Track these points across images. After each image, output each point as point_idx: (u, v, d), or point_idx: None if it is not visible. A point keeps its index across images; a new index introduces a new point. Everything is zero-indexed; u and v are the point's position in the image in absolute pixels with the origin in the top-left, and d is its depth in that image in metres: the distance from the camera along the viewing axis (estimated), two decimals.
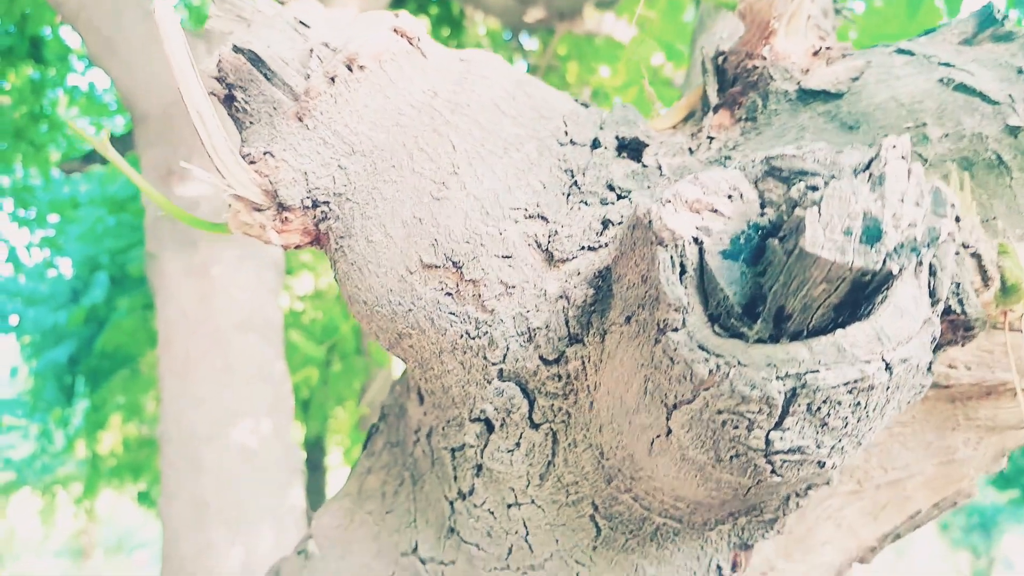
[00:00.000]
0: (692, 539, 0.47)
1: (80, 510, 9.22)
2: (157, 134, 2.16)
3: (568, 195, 0.48)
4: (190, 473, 1.76)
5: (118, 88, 2.15)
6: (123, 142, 2.69)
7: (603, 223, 0.46)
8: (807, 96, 0.49)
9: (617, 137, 0.51)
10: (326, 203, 0.49)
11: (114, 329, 5.71)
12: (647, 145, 0.51)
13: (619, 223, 0.45)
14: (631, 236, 0.37)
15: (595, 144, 0.51)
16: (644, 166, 0.50)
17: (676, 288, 0.34)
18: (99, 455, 6.61)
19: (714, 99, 0.52)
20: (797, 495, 0.43)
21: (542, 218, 0.47)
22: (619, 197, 0.47)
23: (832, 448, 0.35)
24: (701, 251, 0.34)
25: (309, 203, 0.49)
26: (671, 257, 0.34)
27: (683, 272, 0.34)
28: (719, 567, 0.47)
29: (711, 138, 0.51)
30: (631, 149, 0.51)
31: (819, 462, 0.35)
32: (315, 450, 6.35)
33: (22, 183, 5.13)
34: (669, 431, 0.37)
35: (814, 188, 0.33)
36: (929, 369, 0.39)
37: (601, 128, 0.52)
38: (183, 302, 2.00)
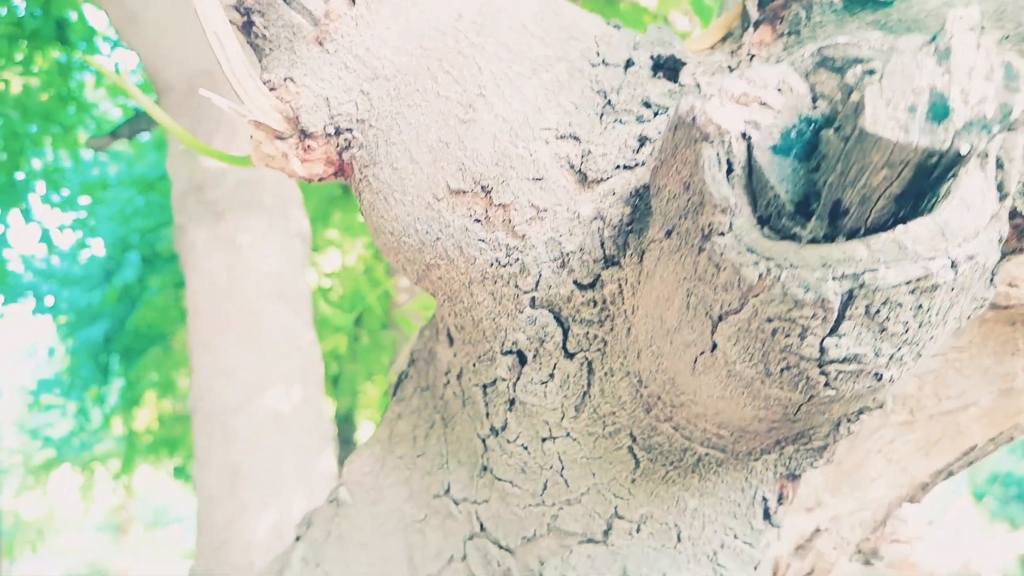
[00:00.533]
0: (736, 470, 0.45)
1: (118, 486, 9.38)
2: (181, 106, 2.15)
3: (601, 115, 0.45)
4: (222, 441, 1.77)
5: (142, 61, 2.15)
6: (147, 117, 2.69)
7: (639, 140, 0.43)
8: (854, 5, 0.46)
9: (652, 57, 0.48)
10: (349, 130, 0.47)
11: (146, 307, 5.78)
12: (684, 64, 0.48)
13: (656, 140, 0.43)
14: (672, 138, 0.34)
15: (628, 64, 0.48)
16: (681, 85, 0.47)
17: (722, 187, 0.31)
18: (135, 431, 6.71)
19: (754, 14, 0.49)
20: (848, 420, 0.41)
21: (574, 138, 0.44)
22: (656, 114, 0.45)
23: (891, 357, 0.32)
24: (749, 147, 0.32)
25: (332, 130, 0.47)
26: (717, 154, 0.32)
27: (730, 171, 0.32)
28: (764, 499, 0.45)
29: (752, 55, 0.49)
30: (667, 69, 0.49)
31: (876, 373, 0.33)
32: (345, 425, 6.39)
33: (52, 165, 5.17)
34: (714, 346, 0.35)
35: (871, 72, 0.30)
36: (991, 281, 0.36)
37: (635, 49, 0.49)
38: (211, 273, 2.00)
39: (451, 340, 0.58)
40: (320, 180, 0.50)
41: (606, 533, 0.47)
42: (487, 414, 0.52)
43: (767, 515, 0.45)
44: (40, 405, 8.26)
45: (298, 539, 0.76)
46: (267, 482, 1.71)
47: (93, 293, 6.61)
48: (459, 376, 0.57)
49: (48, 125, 5.24)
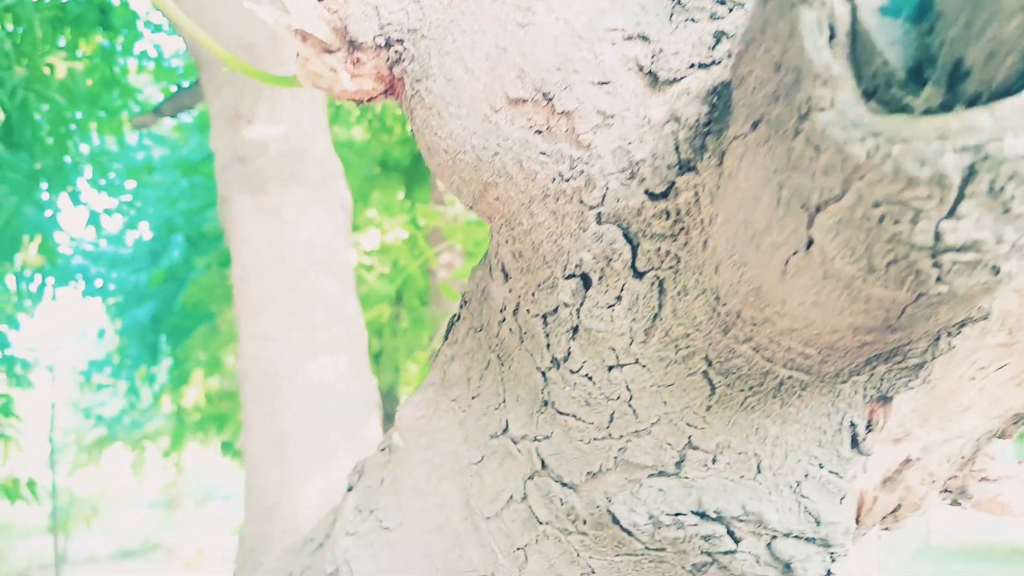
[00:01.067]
0: (822, 394, 0.41)
1: (168, 463, 9.60)
2: (224, 78, 2.15)
3: (671, 15, 0.42)
4: (270, 408, 1.77)
5: (182, 36, 2.14)
6: (192, 93, 2.69)
7: (715, 37, 0.40)
8: None
9: None
10: (399, 41, 0.44)
11: (192, 287, 5.84)
12: None
13: (734, 35, 0.39)
14: (763, 12, 0.31)
15: None
16: None
17: (823, 54, 0.28)
18: (184, 409, 6.83)
19: None
20: (949, 333, 0.37)
21: (643, 38, 0.41)
22: (731, 10, 0.41)
23: (1013, 245, 0.28)
24: (854, 9, 0.28)
25: (382, 42, 0.44)
26: (817, 18, 0.28)
27: (831, 38, 0.28)
28: (853, 425, 0.41)
29: None
30: None
31: (994, 266, 0.29)
32: (388, 401, 6.42)
33: (99, 149, 5.23)
34: (810, 243, 0.32)
35: None
36: None
37: None
38: (256, 243, 1.99)
39: (506, 275, 0.55)
40: (369, 100, 0.47)
41: (679, 465, 0.44)
42: (548, 345, 0.49)
43: (855, 442, 0.42)
44: (92, 385, 8.43)
45: (350, 489, 0.74)
46: (314, 449, 1.71)
47: (141, 274, 6.71)
48: (515, 311, 0.54)
49: (93, 109, 5.30)
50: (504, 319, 0.56)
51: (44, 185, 5.16)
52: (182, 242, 6.31)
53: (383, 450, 0.70)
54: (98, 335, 9.16)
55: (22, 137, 4.93)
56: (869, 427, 0.41)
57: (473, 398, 0.59)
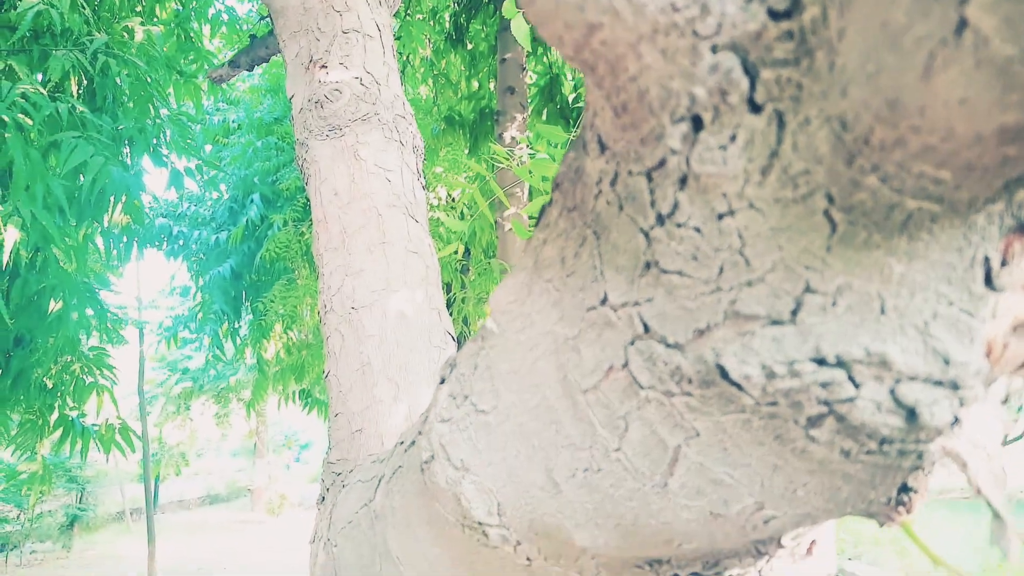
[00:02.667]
0: (953, 226, 0.38)
1: (251, 413, 9.93)
2: (298, 24, 2.16)
3: None
4: (353, 339, 1.79)
5: None
6: (264, 43, 2.71)
7: None
8: None
9: None
10: None
11: (270, 243, 5.95)
12: None
13: None
14: None
15: None
16: None
17: None
18: (265, 360, 7.02)
19: None
20: None
21: None
22: None
23: None
24: None
25: None
26: None
27: None
28: (986, 259, 0.38)
29: None
30: None
31: None
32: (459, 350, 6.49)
33: (177, 112, 5.33)
34: (961, 25, 0.29)
35: None
36: None
37: None
38: (335, 183, 2.01)
39: (602, 146, 0.53)
40: None
41: (795, 312, 0.42)
42: (652, 203, 0.47)
43: (989, 279, 0.39)
44: (178, 340, 8.72)
45: (443, 381, 0.74)
46: (397, 377, 1.73)
47: (221, 233, 6.86)
48: (613, 181, 0.52)
49: (170, 73, 5.38)
50: (600, 192, 0.54)
51: (127, 151, 5.29)
52: (259, 201, 6.44)
53: (476, 339, 0.69)
54: (182, 293, 9.45)
55: (104, 100, 5.05)
56: (1005, 261, 0.38)
57: (568, 276, 0.58)
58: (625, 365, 0.52)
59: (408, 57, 5.68)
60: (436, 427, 0.70)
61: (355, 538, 1.08)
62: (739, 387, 0.45)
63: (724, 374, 0.45)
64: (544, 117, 5.50)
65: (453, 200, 6.16)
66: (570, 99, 5.64)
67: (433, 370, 1.81)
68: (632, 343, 0.51)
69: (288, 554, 10.29)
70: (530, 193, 5.15)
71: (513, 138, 5.01)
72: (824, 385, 0.42)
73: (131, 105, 5.02)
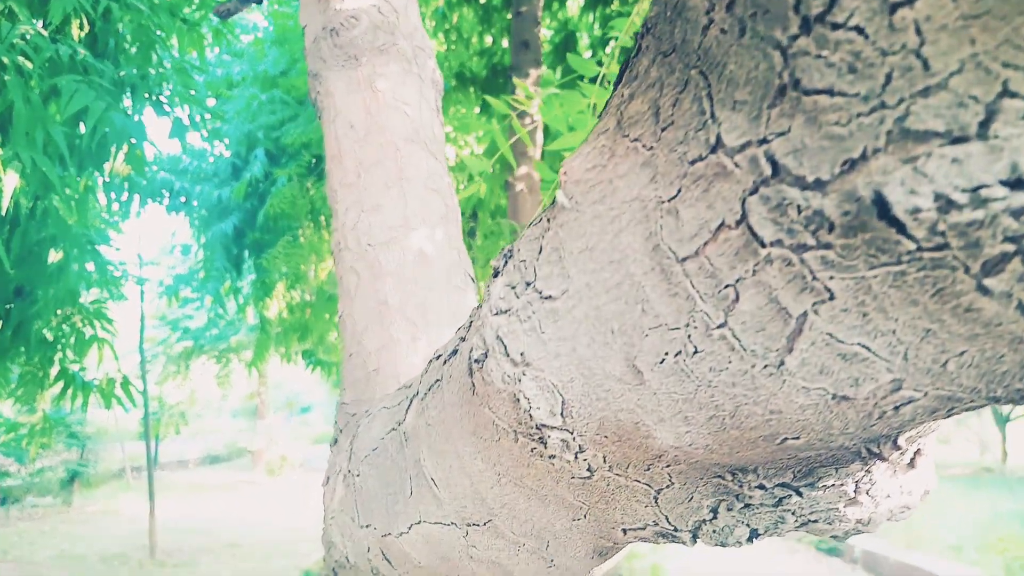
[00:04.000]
0: None
1: (252, 373, 9.87)
2: None
3: None
4: (370, 276, 1.72)
5: None
6: None
7: None
8: None
9: None
10: None
11: (274, 199, 5.86)
12: None
13: None
14: None
15: None
16: None
17: None
18: (267, 320, 6.95)
19: None
20: None
21: None
22: None
23: None
24: None
25: None
26: None
27: None
28: None
29: None
30: None
31: None
32: None
33: (180, 62, 5.21)
34: None
35: None
36: None
37: None
38: (350, 116, 1.92)
39: None
40: None
41: (985, 124, 0.34)
42: (796, 5, 0.39)
43: None
44: (179, 298, 8.64)
45: (497, 274, 0.66)
46: (416, 316, 1.66)
47: (224, 189, 6.76)
48: (730, 4, 0.44)
49: (173, 20, 5.26)
50: (711, 22, 0.46)
51: (128, 99, 5.19)
52: (262, 156, 6.33)
53: (539, 221, 0.61)
54: (183, 250, 9.37)
55: (106, 47, 4.93)
56: None
57: (664, 129, 0.50)
58: (741, 221, 0.44)
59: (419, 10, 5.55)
60: (491, 321, 0.62)
61: (381, 464, 1.01)
62: (900, 228, 0.37)
63: (883, 212, 0.37)
64: (558, 75, 5.39)
65: (461, 161, 6.06)
66: (586, 56, 5.51)
67: (454, 311, 1.74)
68: (754, 191, 0.43)
69: (288, 515, 10.32)
70: (542, 153, 5.05)
71: (522, 97, 4.88)
72: (1018, 214, 0.34)
73: (133, 52, 4.90)
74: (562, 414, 0.59)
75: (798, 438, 0.50)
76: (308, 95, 6.15)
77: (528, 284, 0.60)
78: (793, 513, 0.61)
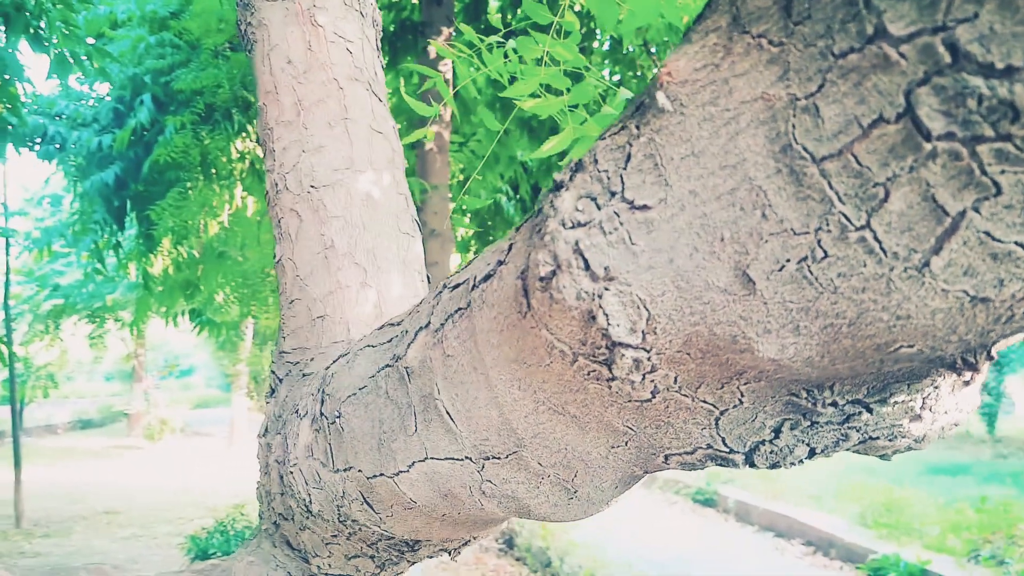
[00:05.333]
0: None
1: (130, 334, 9.33)
2: None
3: None
4: (313, 219, 1.63)
5: None
6: None
7: None
8: None
9: None
10: None
11: (162, 148, 5.52)
12: None
13: None
14: None
15: None
16: None
17: None
18: (151, 277, 6.58)
19: None
20: None
21: None
22: None
23: None
24: None
25: None
26: None
27: None
28: None
29: None
30: None
31: None
32: None
33: None
34: None
35: None
36: None
37: None
38: (288, 50, 1.81)
39: None
40: None
41: None
42: None
43: None
44: (50, 252, 8.07)
45: (560, 188, 0.62)
46: (365, 261, 1.59)
47: (105, 136, 6.32)
48: None
49: None
50: None
51: (1, 29, 4.76)
52: (149, 102, 5.93)
53: (618, 129, 0.58)
54: (52, 201, 8.74)
55: None
56: None
57: (797, 24, 0.47)
58: (904, 114, 0.42)
59: None
60: (564, 234, 0.58)
61: (371, 403, 0.96)
62: None
63: None
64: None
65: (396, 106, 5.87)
66: (496, 18, 5.44)
67: (403, 257, 1.68)
68: (924, 82, 0.41)
69: (170, 480, 9.90)
70: (453, 116, 4.97)
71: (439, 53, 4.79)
72: None
73: None
74: (645, 330, 0.57)
75: (912, 346, 0.50)
76: (201, 38, 5.80)
77: (613, 194, 0.56)
78: (858, 430, 0.61)
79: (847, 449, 0.63)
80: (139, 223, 6.52)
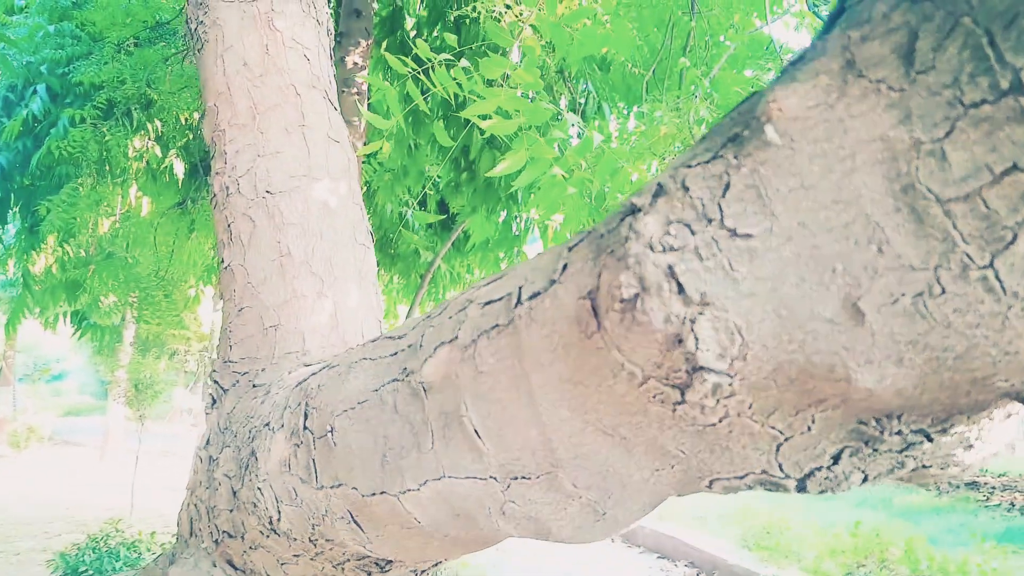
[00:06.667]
0: None
1: (9, 334, 8.57)
2: None
3: None
4: (267, 225, 1.56)
5: None
6: None
7: None
8: None
9: None
10: None
11: (55, 142, 5.16)
12: None
13: None
14: None
15: None
16: None
17: None
18: (31, 275, 6.10)
19: None
20: None
21: None
22: None
23: None
24: None
25: None
26: None
27: None
28: None
29: None
30: None
31: None
32: None
33: None
34: None
35: None
36: None
37: None
38: (245, 53, 1.74)
39: None
40: None
41: None
42: None
43: None
44: None
45: (638, 211, 0.61)
46: (322, 270, 1.53)
47: None
48: None
49: None
50: None
51: None
52: (44, 93, 5.54)
53: (710, 158, 0.58)
54: None
55: None
56: None
57: (920, 73, 0.49)
58: None
59: None
60: (652, 257, 0.58)
61: (374, 419, 0.91)
62: None
63: None
64: (384, 48, 5.24)
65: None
66: (411, 34, 5.40)
67: (359, 268, 1.63)
68: None
69: (37, 492, 9.14)
70: (367, 131, 4.88)
71: (356, 63, 4.72)
72: None
73: None
74: (735, 357, 0.57)
75: (1008, 380, 0.52)
76: (105, 31, 5.46)
77: (710, 221, 0.56)
78: (915, 458, 0.62)
79: (900, 476, 0.64)
80: (23, 218, 6.06)
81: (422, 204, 6.28)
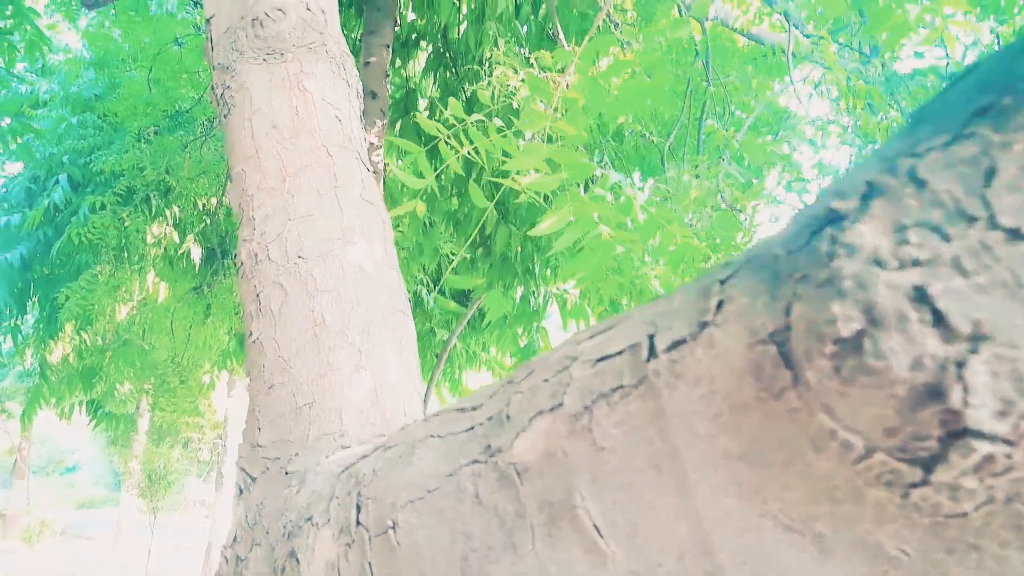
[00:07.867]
0: None
1: (25, 426, 8.32)
2: None
3: None
4: (301, 292, 1.39)
5: None
6: None
7: None
8: None
9: None
10: None
11: (77, 228, 5.07)
12: None
13: None
14: None
15: None
16: None
17: None
18: (48, 364, 5.94)
19: None
20: None
21: None
22: None
23: None
24: None
25: None
26: None
27: None
28: None
29: None
30: None
31: None
32: None
33: None
34: None
35: None
36: None
37: None
38: (274, 115, 1.61)
39: None
40: None
41: None
42: None
43: None
44: None
45: (839, 219, 0.44)
46: (360, 341, 1.35)
47: (13, 215, 5.79)
48: None
49: None
50: None
51: None
52: (65, 183, 5.49)
53: (963, 136, 0.41)
54: None
55: None
56: None
57: None
58: None
59: None
60: (886, 277, 0.40)
61: (450, 511, 0.72)
62: None
63: None
64: (398, 130, 5.21)
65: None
66: (424, 114, 5.37)
67: (399, 337, 1.45)
68: None
69: None
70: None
71: (372, 143, 4.66)
72: None
73: None
74: (1021, 415, 0.38)
75: None
76: (126, 121, 5.44)
77: (972, 220, 0.39)
78: None
79: None
80: (41, 307, 5.94)
81: (435, 281, 6.14)
